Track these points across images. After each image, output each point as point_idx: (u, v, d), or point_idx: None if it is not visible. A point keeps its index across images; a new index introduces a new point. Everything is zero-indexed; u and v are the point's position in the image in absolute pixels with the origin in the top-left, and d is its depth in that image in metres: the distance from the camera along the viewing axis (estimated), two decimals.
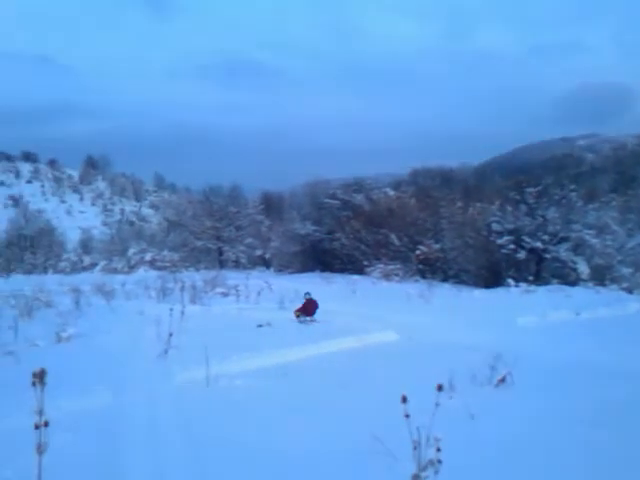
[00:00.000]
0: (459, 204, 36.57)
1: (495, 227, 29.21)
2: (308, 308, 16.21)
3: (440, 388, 4.34)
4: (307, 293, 16.87)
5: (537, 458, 5.62)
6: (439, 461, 4.15)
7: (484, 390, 7.88)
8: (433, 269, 33.20)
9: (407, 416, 4.12)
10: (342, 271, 38.49)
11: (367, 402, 7.48)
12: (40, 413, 4.03)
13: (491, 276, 28.62)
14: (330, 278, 32.57)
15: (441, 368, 8.12)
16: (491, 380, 8.12)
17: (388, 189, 49.13)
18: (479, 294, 22.73)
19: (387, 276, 32.41)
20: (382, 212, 39.44)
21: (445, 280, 31.48)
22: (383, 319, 15.39)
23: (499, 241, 28.59)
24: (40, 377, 4.00)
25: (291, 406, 7.49)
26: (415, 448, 4.29)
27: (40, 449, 4.18)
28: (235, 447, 6.09)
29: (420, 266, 33.61)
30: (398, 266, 33.70)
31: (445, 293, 22.99)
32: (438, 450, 4.14)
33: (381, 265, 34.26)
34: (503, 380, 8.12)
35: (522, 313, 16.01)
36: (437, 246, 33.52)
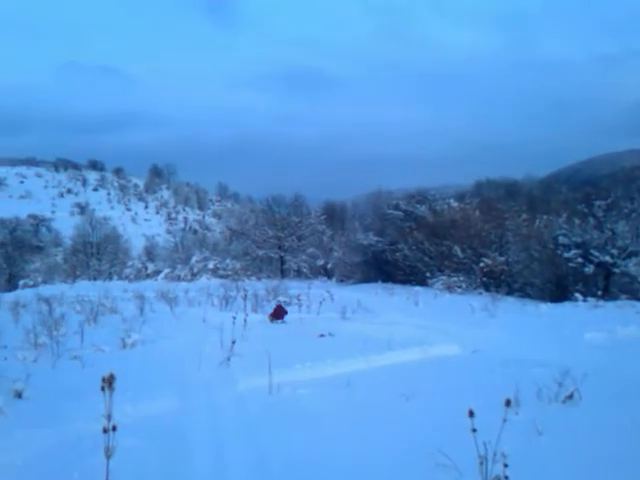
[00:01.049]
0: (524, 216, 35.99)
1: (562, 240, 28.61)
2: (278, 313, 18.47)
3: (508, 403, 4.27)
4: (278, 301, 20.82)
5: (606, 476, 5.46)
6: (506, 477, 4.08)
7: (551, 406, 7.68)
8: (497, 282, 32.68)
9: (474, 430, 4.07)
10: (404, 282, 38.31)
11: (431, 415, 7.39)
12: (109, 417, 4.12)
13: (557, 290, 28.03)
14: (392, 289, 32.44)
15: (506, 383, 7.96)
16: (558, 396, 7.91)
17: (452, 200, 48.67)
18: (545, 308, 22.25)
19: (450, 288, 32.09)
20: (445, 223, 39.09)
21: (510, 293, 30.95)
22: (446, 332, 15.21)
23: (566, 254, 27.99)
24: (109, 382, 4.09)
25: (354, 416, 7.45)
26: (481, 463, 4.22)
27: (108, 452, 4.27)
28: (298, 455, 6.09)
29: (484, 279, 33.15)
30: (461, 278, 33.34)
31: (510, 307, 22.60)
32: (505, 466, 4.06)
33: (444, 277, 33.95)
34: (571, 396, 7.91)
35: (590, 328, 15.58)
36: (501, 259, 33.01)
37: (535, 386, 7.98)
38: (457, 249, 35.61)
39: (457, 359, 11.71)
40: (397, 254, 41.44)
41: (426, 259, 38.29)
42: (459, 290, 31.75)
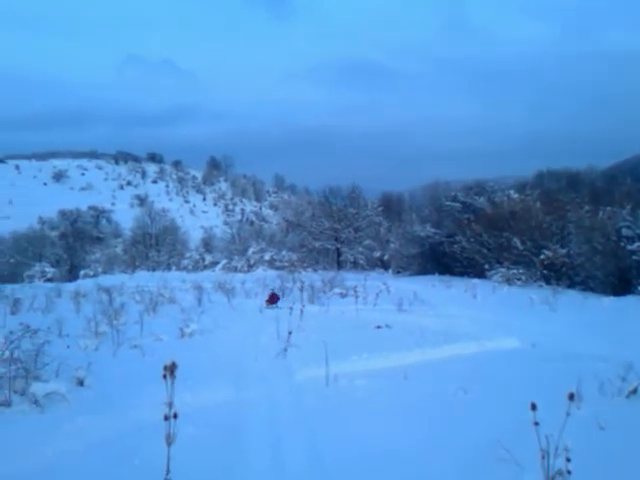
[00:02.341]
0: (587, 208, 35.16)
1: (625, 232, 27.84)
2: (272, 299, 21.07)
3: (572, 397, 4.18)
4: (272, 289, 23.47)
5: None
6: (569, 472, 4.00)
7: (614, 401, 7.50)
8: (558, 275, 32.00)
9: (536, 424, 3.99)
10: (462, 274, 37.90)
11: (489, 408, 7.30)
12: (170, 405, 4.17)
13: (620, 283, 27.28)
14: (449, 281, 32.14)
15: (567, 377, 7.81)
16: (621, 391, 7.73)
17: (511, 192, 47.86)
18: (608, 302, 21.72)
19: (509, 281, 31.59)
20: (505, 215, 38.46)
21: (571, 287, 30.29)
22: (505, 325, 15.00)
23: (630, 247, 27.25)
24: (171, 370, 4.14)
25: (411, 408, 7.41)
26: (543, 457, 4.15)
27: (169, 440, 4.32)
28: (354, 446, 6.09)
29: (544, 271, 32.53)
30: (521, 271, 32.76)
31: (571, 300, 22.12)
32: (568, 460, 3.98)
33: (503, 269, 33.46)
34: (634, 391, 7.71)
35: None
36: (563, 251, 32.34)
37: (597, 380, 7.82)
38: (517, 241, 35.01)
39: (516, 353, 11.53)
40: (455, 246, 41.00)
41: (484, 251, 37.78)
42: (518, 283, 31.23)
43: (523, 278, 31.88)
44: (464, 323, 15.42)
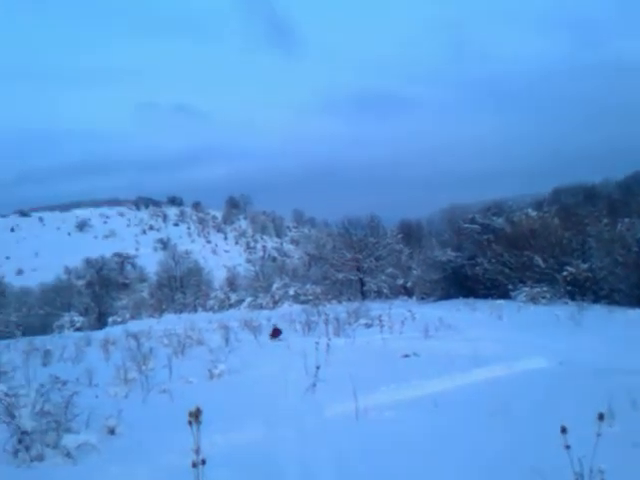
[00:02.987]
0: (605, 221, 34.97)
1: None
2: (275, 333, 22.16)
3: (601, 417, 4.17)
4: (274, 325, 24.10)
5: None
6: None
7: None
8: (582, 290, 31.76)
9: (567, 447, 3.99)
10: (486, 296, 37.66)
11: (522, 431, 7.24)
12: (197, 451, 4.22)
13: None
14: (474, 304, 31.97)
15: (598, 394, 7.75)
16: None
17: (529, 210, 47.68)
18: (634, 315, 21.51)
19: (534, 299, 31.41)
20: (524, 234, 38.35)
21: (596, 301, 30.03)
22: (532, 344, 14.89)
23: None
24: (196, 416, 4.19)
25: (444, 438, 7.36)
26: None
27: None
28: None
29: (568, 287, 32.30)
30: (545, 288, 32.58)
31: (596, 315, 21.93)
32: None
33: (527, 288, 33.27)
34: None
35: None
36: (585, 266, 32.13)
37: (629, 395, 7.75)
38: (538, 259, 34.87)
39: (545, 372, 11.45)
40: (476, 268, 40.86)
41: (507, 271, 37.61)
42: (543, 301, 31.04)
43: (548, 296, 31.66)
44: (491, 346, 15.30)
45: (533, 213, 45.26)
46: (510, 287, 35.62)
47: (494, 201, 51.90)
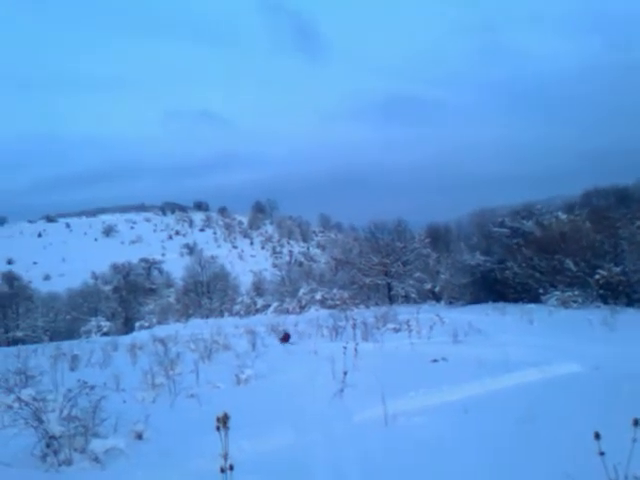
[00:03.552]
0: (638, 223, 34.45)
1: None
2: (285, 337, 23.30)
3: (636, 423, 4.00)
4: (284, 330, 25.16)
5: None
6: None
7: None
8: (615, 294, 31.29)
9: (602, 453, 3.83)
10: (516, 300, 37.27)
11: (555, 438, 7.06)
12: (225, 457, 4.12)
13: None
14: (503, 308, 31.61)
15: (633, 399, 7.55)
16: None
17: (560, 213, 47.17)
18: None
19: (565, 303, 31.00)
20: (555, 237, 37.92)
21: (630, 305, 29.57)
22: (564, 349, 14.64)
23: None
24: (224, 421, 4.10)
25: (474, 444, 7.21)
26: None
27: None
28: None
29: (601, 291, 31.84)
30: (576, 292, 32.15)
31: (630, 318, 21.55)
32: None
33: (558, 292, 32.86)
34: None
35: None
36: (617, 269, 31.65)
37: None
38: (569, 262, 34.44)
39: (578, 377, 11.20)
40: (506, 272, 40.46)
41: (537, 275, 37.20)
42: (575, 305, 30.63)
43: (579, 300, 31.23)
44: (522, 350, 15.05)
45: (563, 216, 44.76)
46: (541, 291, 35.23)
47: (523, 204, 51.40)
